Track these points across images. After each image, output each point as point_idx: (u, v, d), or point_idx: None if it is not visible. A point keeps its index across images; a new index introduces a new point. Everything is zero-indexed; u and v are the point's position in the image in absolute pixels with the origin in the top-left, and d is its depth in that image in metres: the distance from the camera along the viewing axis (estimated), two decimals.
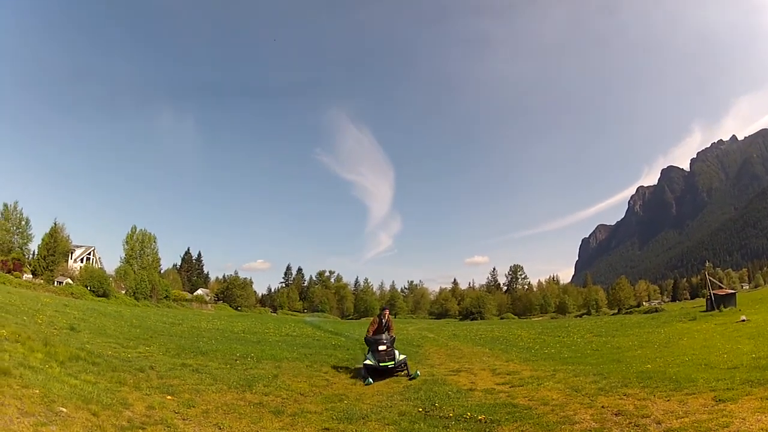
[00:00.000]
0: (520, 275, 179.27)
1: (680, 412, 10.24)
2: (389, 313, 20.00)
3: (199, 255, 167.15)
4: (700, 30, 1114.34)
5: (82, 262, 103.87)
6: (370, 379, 16.37)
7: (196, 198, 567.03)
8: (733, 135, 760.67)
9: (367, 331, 19.08)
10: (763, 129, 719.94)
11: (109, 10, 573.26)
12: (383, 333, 18.43)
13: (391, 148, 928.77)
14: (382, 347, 17.42)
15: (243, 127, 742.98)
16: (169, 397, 11.08)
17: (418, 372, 17.60)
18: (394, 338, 18.69)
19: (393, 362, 17.25)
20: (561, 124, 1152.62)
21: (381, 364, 16.98)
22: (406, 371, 17.60)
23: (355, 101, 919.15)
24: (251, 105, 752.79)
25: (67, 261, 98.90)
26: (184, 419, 9.61)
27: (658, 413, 10.37)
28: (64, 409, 8.62)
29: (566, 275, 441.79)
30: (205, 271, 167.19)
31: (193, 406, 10.61)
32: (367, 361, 17.20)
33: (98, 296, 76.31)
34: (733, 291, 69.75)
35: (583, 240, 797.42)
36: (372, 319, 20.05)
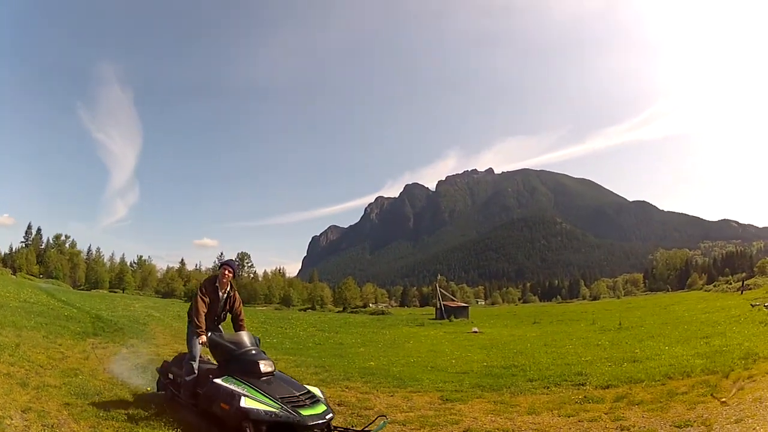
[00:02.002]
0: (247, 263, 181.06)
1: (405, 407, 10.74)
2: (233, 276, 10.52)
3: None
4: (478, 69, 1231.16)
5: None
6: None
7: None
8: (491, 168, 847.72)
9: (193, 311, 10.06)
10: (525, 168, 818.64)
11: None
12: (220, 318, 10.48)
13: (148, 116, 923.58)
14: (266, 366, 8.80)
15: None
16: None
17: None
18: (259, 339, 9.88)
19: (325, 410, 8.32)
20: (315, 125, 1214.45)
21: (305, 415, 7.97)
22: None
23: (127, 59, 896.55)
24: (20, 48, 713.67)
25: None
26: None
27: (381, 406, 10.82)
28: None
29: (293, 269, 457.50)
30: None
31: None
32: (250, 404, 7.91)
33: None
34: (465, 304, 75.71)
35: (313, 237, 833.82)
36: (200, 287, 10.31)
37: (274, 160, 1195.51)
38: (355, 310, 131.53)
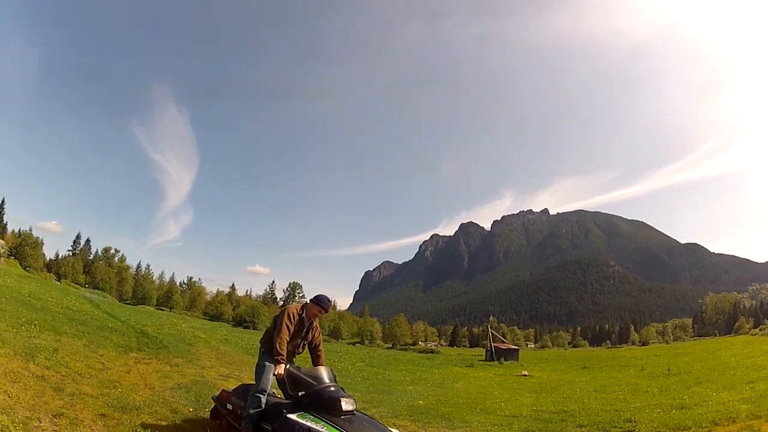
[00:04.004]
0: (299, 293, 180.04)
1: None
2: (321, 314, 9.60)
3: (3, 202, 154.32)
4: (531, 109, 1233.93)
5: None
6: None
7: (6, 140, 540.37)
8: (546, 208, 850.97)
9: (275, 338, 9.02)
10: (580, 210, 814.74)
11: None
12: (298, 349, 9.53)
13: (204, 139, 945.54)
14: (347, 404, 7.97)
15: (64, 85, 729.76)
16: None
17: None
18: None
19: None
20: (371, 161, 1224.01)
21: None
22: None
23: (184, 78, 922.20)
24: (77, 64, 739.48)
25: None
26: None
27: None
28: None
29: (345, 302, 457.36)
30: (5, 221, 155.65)
31: None
32: None
33: None
34: (516, 347, 74.90)
35: (366, 272, 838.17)
36: (284, 311, 9.34)
37: (331, 193, 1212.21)
38: (404, 347, 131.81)
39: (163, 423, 10.00)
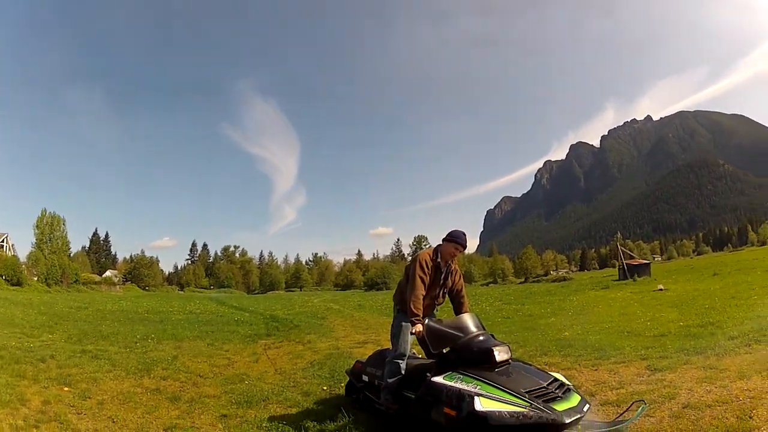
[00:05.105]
0: (425, 245, 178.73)
1: (614, 383, 9.41)
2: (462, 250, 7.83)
3: (107, 236, 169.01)
4: (620, 16, 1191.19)
5: None
6: None
7: (101, 176, 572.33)
8: (648, 115, 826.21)
9: (408, 294, 7.48)
10: (681, 111, 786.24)
11: None
12: (437, 299, 7.92)
13: (298, 121, 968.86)
14: (501, 353, 6.39)
15: (148, 103, 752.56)
16: (65, 388, 10.46)
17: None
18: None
19: (580, 400, 6.00)
20: (469, 100, 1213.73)
21: (560, 411, 5.60)
22: None
23: (262, 72, 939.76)
24: (156, 80, 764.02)
25: None
26: (78, 413, 8.85)
27: (588, 384, 9.53)
28: None
29: (471, 245, 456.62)
30: (113, 252, 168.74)
31: (89, 397, 9.87)
32: (488, 405, 5.61)
33: (12, 285, 73.61)
34: (647, 262, 72.24)
35: (488, 211, 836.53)
36: (416, 260, 7.65)
37: (438, 141, 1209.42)
38: (536, 279, 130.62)
39: (294, 410, 9.14)
